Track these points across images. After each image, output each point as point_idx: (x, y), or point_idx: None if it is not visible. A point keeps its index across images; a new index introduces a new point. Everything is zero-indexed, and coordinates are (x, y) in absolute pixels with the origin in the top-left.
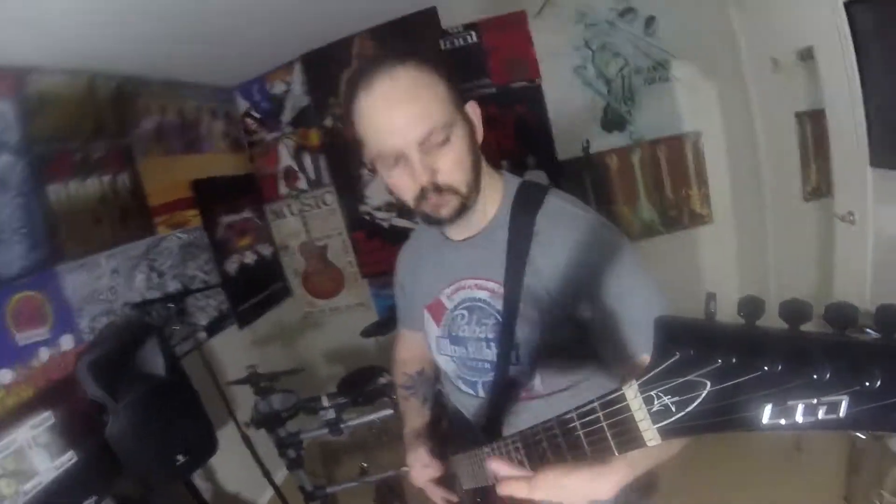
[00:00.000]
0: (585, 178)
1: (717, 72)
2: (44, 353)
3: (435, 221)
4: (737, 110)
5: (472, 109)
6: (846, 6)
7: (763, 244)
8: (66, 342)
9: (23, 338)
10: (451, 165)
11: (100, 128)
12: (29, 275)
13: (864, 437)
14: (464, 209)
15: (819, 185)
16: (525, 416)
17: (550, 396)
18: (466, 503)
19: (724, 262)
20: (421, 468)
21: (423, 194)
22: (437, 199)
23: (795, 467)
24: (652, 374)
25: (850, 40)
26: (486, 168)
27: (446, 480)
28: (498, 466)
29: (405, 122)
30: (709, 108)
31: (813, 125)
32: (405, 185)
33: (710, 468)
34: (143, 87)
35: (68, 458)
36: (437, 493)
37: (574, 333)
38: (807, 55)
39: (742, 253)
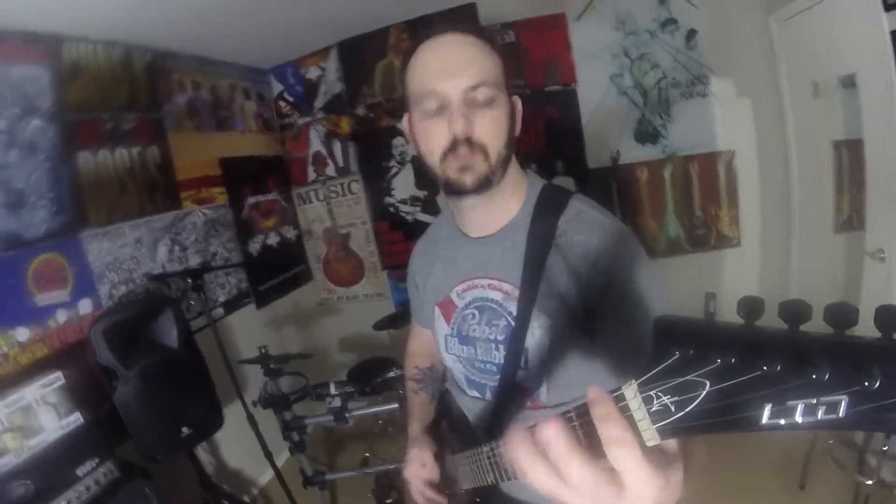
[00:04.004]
0: (613, 189)
1: (755, 91)
2: (61, 316)
3: (457, 189)
4: (773, 132)
5: (517, 102)
6: (893, 34)
7: (788, 272)
8: (85, 306)
9: (42, 299)
10: (489, 125)
11: (132, 100)
12: (53, 238)
13: (870, 482)
14: (487, 182)
15: (851, 217)
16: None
17: (557, 408)
18: (465, 503)
19: (746, 288)
20: (419, 467)
21: (453, 146)
22: (466, 156)
23: None
24: (651, 373)
25: (895, 70)
26: (516, 166)
27: (442, 481)
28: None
29: (460, 66)
30: (744, 128)
31: (850, 155)
32: (439, 135)
33: None
34: (178, 63)
35: (75, 419)
36: (427, 494)
37: (585, 342)
38: (849, 82)
39: (765, 279)
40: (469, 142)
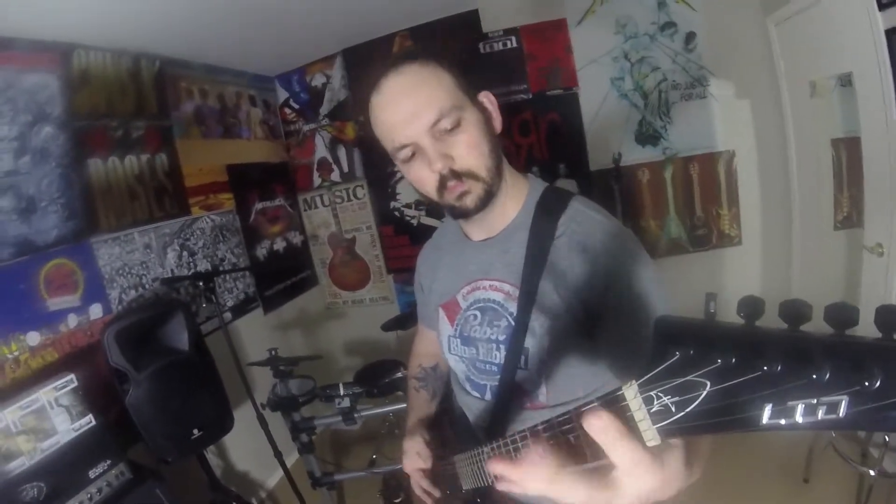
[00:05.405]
0: (615, 190)
1: (754, 92)
2: (72, 320)
3: (461, 213)
4: (772, 132)
5: (487, 98)
6: (887, 33)
7: (789, 270)
8: (95, 311)
9: (53, 303)
10: (467, 150)
11: (141, 107)
12: (64, 243)
13: (873, 473)
14: (489, 197)
15: (850, 214)
16: (528, 425)
17: (555, 408)
18: (466, 503)
19: (748, 286)
20: (414, 455)
21: (443, 183)
22: (458, 187)
23: (803, 500)
24: (652, 373)
25: (890, 68)
26: (509, 169)
27: (440, 477)
28: (494, 466)
29: (412, 111)
30: (744, 128)
31: (848, 152)
32: (425, 177)
33: (715, 499)
34: (186, 71)
35: (87, 422)
36: (422, 483)
37: (584, 343)
38: (846, 81)
39: (767, 277)
40: (455, 173)
